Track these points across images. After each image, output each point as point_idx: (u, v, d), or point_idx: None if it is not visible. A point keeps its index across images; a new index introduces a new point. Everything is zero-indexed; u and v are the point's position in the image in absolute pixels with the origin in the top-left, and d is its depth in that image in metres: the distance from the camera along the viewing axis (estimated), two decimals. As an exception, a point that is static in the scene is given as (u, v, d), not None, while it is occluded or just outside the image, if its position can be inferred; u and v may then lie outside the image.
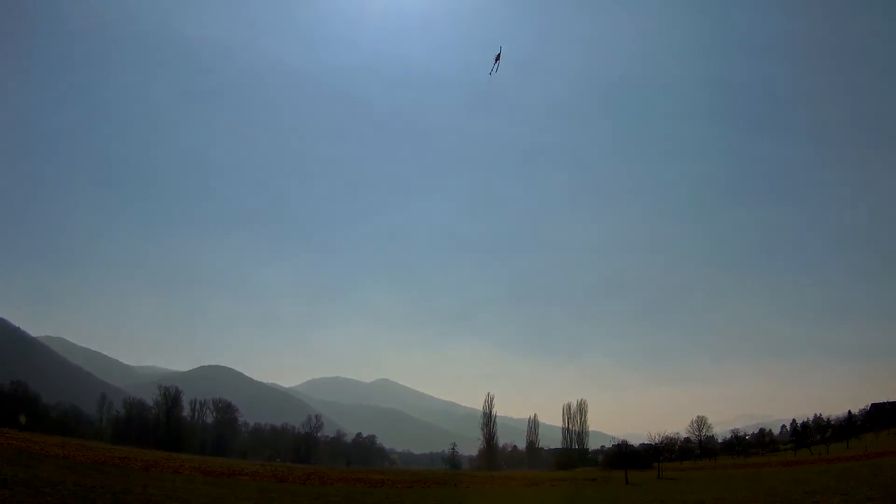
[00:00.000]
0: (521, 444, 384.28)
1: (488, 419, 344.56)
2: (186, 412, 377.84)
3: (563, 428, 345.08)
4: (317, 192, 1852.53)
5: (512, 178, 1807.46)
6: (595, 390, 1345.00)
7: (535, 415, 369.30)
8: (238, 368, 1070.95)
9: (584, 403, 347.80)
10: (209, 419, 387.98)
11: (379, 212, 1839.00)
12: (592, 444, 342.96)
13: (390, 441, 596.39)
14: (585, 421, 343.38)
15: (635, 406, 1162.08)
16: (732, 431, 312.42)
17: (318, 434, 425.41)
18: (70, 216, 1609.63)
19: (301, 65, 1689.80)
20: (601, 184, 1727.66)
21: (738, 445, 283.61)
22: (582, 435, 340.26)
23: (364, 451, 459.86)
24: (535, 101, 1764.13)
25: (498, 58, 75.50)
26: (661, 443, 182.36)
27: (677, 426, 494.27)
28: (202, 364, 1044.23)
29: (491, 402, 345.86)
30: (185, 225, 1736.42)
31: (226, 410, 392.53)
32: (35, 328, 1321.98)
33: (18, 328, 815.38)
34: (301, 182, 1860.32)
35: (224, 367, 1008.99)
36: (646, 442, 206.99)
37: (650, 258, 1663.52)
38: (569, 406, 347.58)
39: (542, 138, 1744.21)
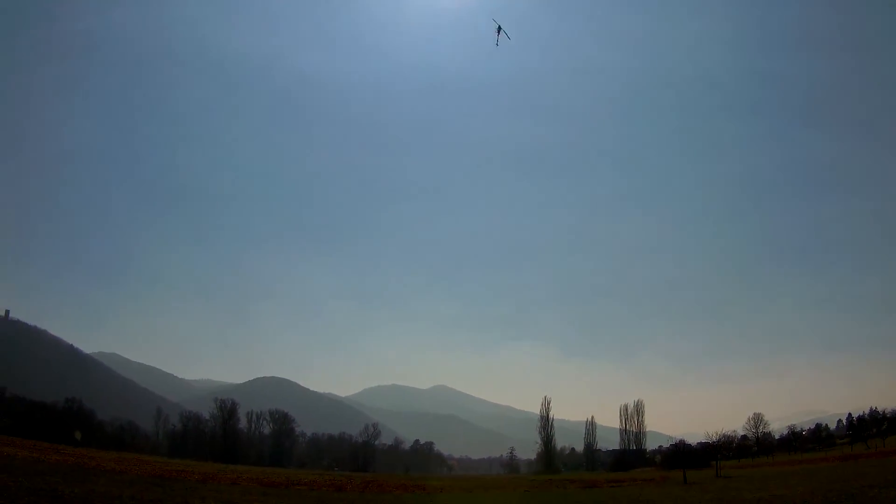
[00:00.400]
0: (579, 447, 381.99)
1: (545, 422, 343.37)
2: (243, 424, 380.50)
3: (620, 429, 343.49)
4: (364, 200, 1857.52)
5: (561, 179, 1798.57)
6: (651, 390, 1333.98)
7: (593, 416, 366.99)
8: (294, 379, 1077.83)
9: (641, 404, 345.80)
10: (266, 430, 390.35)
11: (428, 218, 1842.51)
12: (650, 445, 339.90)
13: (448, 447, 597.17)
14: (643, 421, 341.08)
15: (692, 404, 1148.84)
16: (789, 427, 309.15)
17: (376, 442, 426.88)
18: (119, 232, 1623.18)
19: (338, 75, 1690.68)
20: (651, 182, 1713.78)
21: (795, 441, 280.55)
22: (639, 435, 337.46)
23: (422, 457, 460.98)
24: (581, 102, 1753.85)
25: (499, 30, 76.44)
26: (718, 441, 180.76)
27: (734, 424, 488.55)
28: (258, 376, 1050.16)
29: (548, 405, 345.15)
30: (236, 236, 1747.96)
31: (282, 421, 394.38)
32: (88, 345, 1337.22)
33: (72, 345, 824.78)
34: (348, 190, 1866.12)
35: (280, 378, 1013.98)
36: (703, 440, 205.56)
37: (703, 256, 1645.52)
38: (625, 407, 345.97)
39: (591, 139, 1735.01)
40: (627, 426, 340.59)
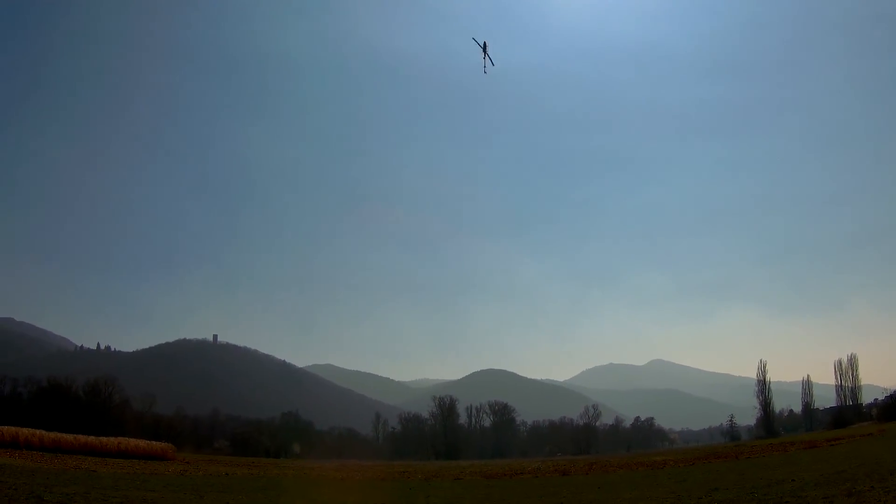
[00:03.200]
0: (797, 408, 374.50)
1: (763, 386, 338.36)
2: (463, 419, 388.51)
3: (835, 385, 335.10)
4: (564, 185, 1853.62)
5: (751, 140, 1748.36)
6: (864, 341, 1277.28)
7: (808, 376, 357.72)
8: (511, 369, 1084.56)
9: (855, 358, 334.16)
10: (486, 423, 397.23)
11: (627, 193, 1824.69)
12: (866, 398, 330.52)
13: (668, 421, 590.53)
14: (857, 376, 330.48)
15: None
16: None
17: (597, 423, 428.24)
18: (324, 243, 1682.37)
19: (526, 60, 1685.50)
20: (843, 129, 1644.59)
21: None
22: (855, 390, 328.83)
23: (643, 434, 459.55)
24: (761, 60, 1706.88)
25: (484, 52, 79.66)
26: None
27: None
28: (475, 370, 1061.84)
29: (764, 368, 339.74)
30: (440, 237, 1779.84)
31: (502, 412, 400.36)
32: (302, 359, 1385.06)
33: (284, 361, 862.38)
34: (548, 177, 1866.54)
35: (497, 370, 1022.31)
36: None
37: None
38: (839, 362, 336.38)
39: (783, 93, 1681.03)
40: (843, 382, 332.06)
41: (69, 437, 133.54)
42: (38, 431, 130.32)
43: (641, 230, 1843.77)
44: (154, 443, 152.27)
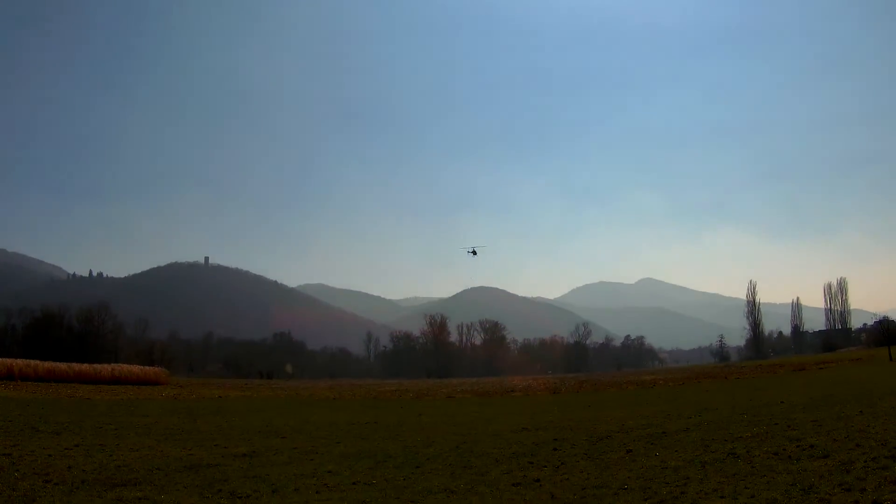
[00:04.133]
0: (786, 330, 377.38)
1: (752, 307, 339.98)
2: (454, 337, 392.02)
3: (825, 309, 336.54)
4: (558, 103, 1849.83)
5: (752, 59, 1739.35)
6: (855, 267, 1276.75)
7: (798, 298, 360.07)
8: (502, 287, 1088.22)
9: (844, 282, 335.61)
10: (477, 341, 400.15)
11: (621, 112, 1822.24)
12: (855, 323, 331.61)
13: (658, 340, 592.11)
14: (847, 300, 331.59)
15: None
16: None
17: (587, 342, 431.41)
18: (314, 165, 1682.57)
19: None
20: (845, 52, 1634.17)
21: None
22: (844, 314, 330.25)
23: (633, 353, 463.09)
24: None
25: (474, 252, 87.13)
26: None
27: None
28: (465, 288, 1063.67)
29: (754, 289, 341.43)
30: (428, 154, 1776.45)
31: (493, 330, 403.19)
32: (293, 278, 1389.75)
33: (276, 281, 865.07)
34: (543, 95, 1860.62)
35: (488, 288, 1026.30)
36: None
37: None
38: (829, 286, 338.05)
39: (779, 17, 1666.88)
40: (832, 306, 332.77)
41: (63, 366, 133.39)
42: (32, 362, 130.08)
43: (635, 149, 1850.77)
44: (147, 368, 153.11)
